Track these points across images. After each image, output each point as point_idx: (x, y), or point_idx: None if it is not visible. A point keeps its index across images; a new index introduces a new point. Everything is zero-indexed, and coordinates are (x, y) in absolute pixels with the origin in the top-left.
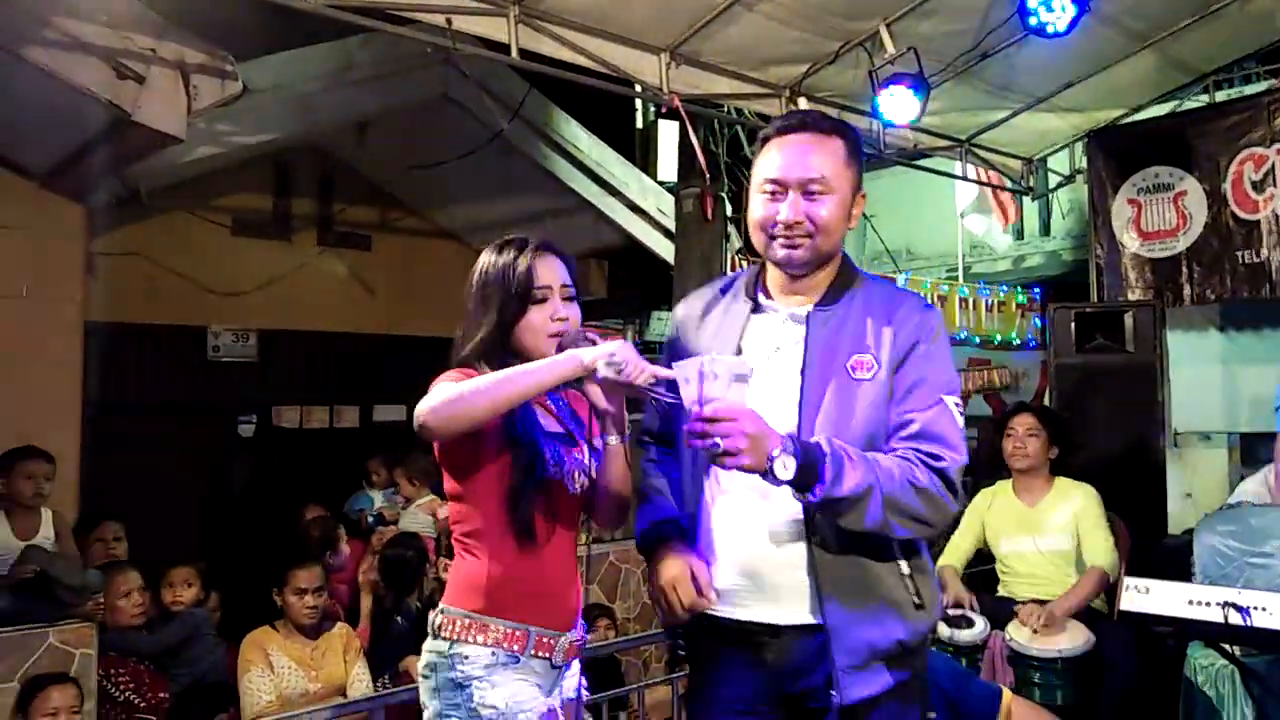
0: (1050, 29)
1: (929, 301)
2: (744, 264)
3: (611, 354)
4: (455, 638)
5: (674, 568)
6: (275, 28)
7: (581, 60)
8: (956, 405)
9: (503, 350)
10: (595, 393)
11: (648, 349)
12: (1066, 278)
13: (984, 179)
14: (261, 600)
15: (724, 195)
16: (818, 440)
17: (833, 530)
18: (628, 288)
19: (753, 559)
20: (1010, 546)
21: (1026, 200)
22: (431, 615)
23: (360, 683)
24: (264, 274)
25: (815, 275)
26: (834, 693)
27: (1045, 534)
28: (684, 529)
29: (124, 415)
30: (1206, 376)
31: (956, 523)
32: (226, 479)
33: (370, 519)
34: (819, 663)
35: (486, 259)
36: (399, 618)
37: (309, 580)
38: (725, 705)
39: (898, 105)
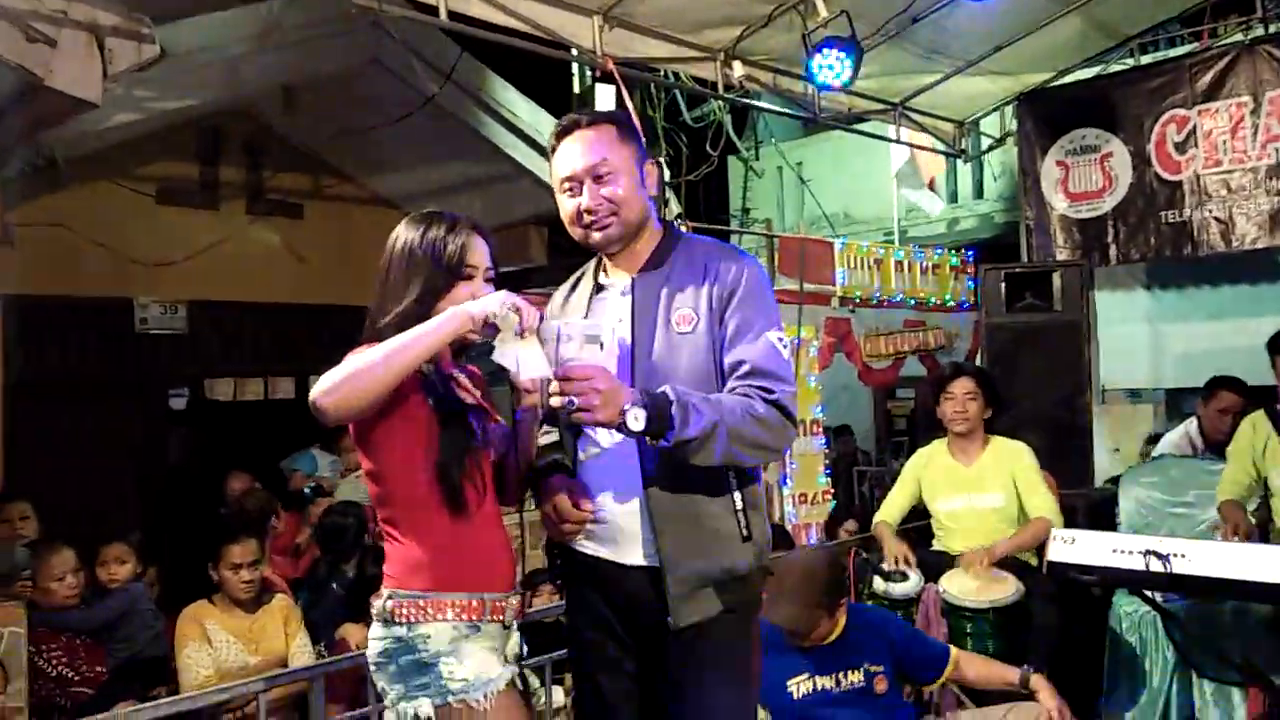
0: None
1: (750, 254)
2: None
3: (503, 301)
4: (413, 620)
5: (553, 493)
6: None
7: (512, 23)
8: (780, 340)
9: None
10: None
11: None
12: (999, 240)
13: (917, 143)
14: (200, 574)
15: (662, 161)
16: (663, 390)
17: (672, 472)
18: (568, 255)
19: (604, 505)
20: (947, 505)
21: (960, 163)
22: (376, 602)
23: (303, 654)
24: (192, 244)
25: (635, 247)
26: (669, 619)
27: (981, 492)
28: (567, 468)
29: (49, 391)
30: (1133, 335)
31: (894, 480)
32: (159, 453)
33: (308, 490)
34: (658, 594)
35: (411, 231)
36: (335, 585)
37: (244, 555)
38: (589, 625)
39: (830, 69)
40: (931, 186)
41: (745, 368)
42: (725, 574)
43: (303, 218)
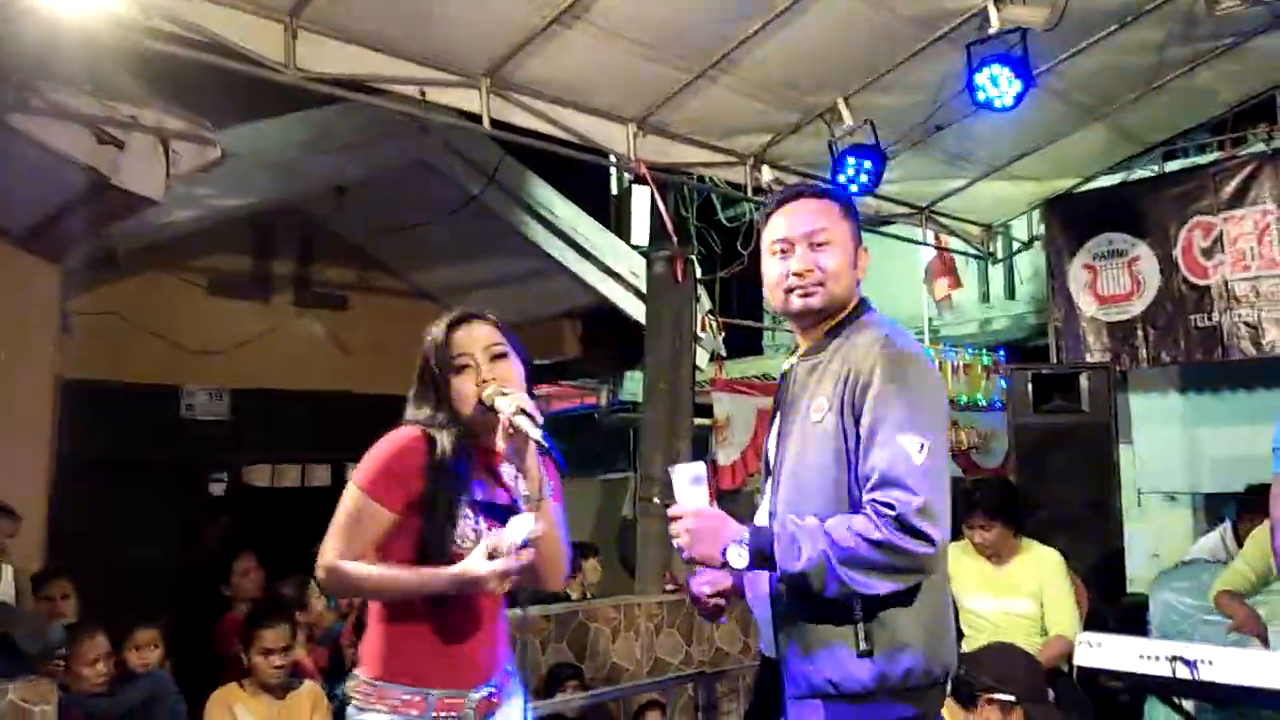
0: (997, 104)
1: (904, 341)
2: (713, 324)
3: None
4: (360, 705)
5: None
6: (257, 96)
7: (551, 130)
8: (918, 443)
9: (449, 420)
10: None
11: (621, 408)
12: (1030, 340)
13: (945, 245)
14: (210, 658)
15: (693, 258)
16: (772, 524)
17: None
18: (601, 348)
19: (755, 601)
20: (974, 605)
21: (991, 265)
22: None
23: None
24: (240, 333)
25: (822, 325)
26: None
27: (1009, 596)
28: None
29: (95, 472)
30: (1169, 437)
31: None
32: (197, 537)
33: None
34: (780, 691)
35: (428, 332)
36: None
37: (276, 640)
38: (752, 708)
39: (854, 175)
40: (942, 305)
41: (874, 476)
42: (832, 688)
43: (347, 309)
